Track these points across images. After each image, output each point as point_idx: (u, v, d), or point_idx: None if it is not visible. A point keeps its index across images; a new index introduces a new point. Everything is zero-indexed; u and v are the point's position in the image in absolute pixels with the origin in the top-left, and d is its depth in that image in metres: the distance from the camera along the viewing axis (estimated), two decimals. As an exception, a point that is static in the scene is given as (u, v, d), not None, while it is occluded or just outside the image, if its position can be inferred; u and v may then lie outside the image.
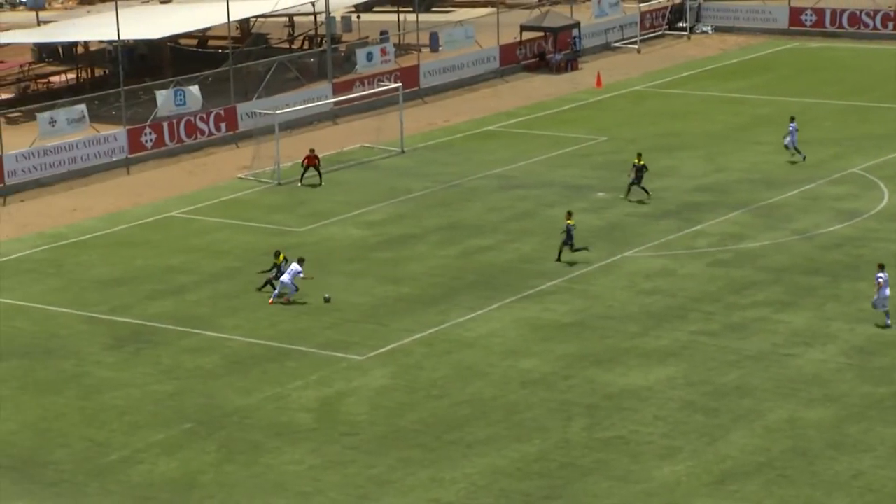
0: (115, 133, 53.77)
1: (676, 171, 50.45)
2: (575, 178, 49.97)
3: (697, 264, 40.89)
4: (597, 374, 33.63)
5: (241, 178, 51.78)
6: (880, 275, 35.37)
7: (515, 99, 63.04)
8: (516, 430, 30.95)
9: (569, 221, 40.74)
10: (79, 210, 48.64)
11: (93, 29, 65.13)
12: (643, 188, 46.67)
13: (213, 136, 56.37)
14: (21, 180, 50.96)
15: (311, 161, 50.07)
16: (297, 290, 38.57)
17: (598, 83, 64.69)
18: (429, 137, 56.65)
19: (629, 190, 46.66)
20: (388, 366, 34.55)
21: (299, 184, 49.84)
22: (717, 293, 38.63)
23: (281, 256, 39.59)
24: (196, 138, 55.83)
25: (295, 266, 38.66)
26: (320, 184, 49.79)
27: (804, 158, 50.33)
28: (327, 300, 38.58)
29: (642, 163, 46.68)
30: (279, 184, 50.43)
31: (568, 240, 40.70)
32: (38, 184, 51.34)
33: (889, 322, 35.30)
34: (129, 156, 53.70)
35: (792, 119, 50.88)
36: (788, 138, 50.43)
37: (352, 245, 43.06)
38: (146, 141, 54.34)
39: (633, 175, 46.49)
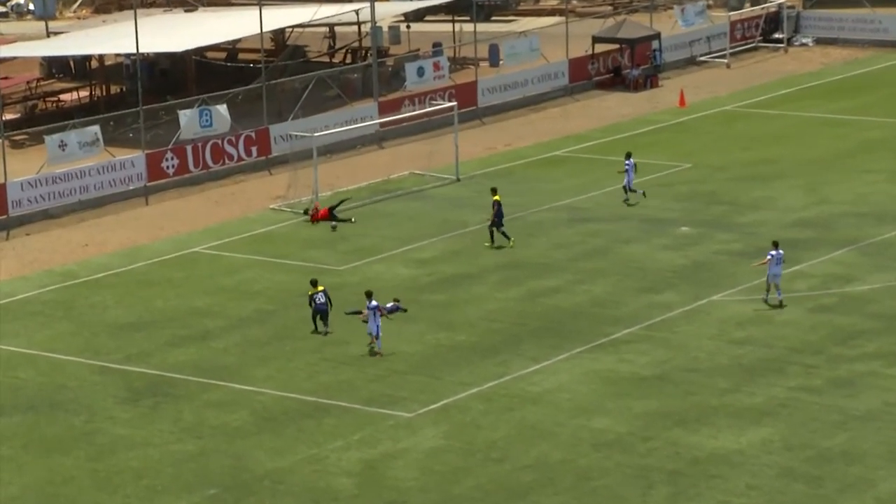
0: (133, 158, 54.21)
1: (772, 204, 50.22)
2: (655, 211, 49.82)
3: (797, 310, 40.59)
4: (681, 436, 33.43)
5: (274, 209, 52.05)
6: (774, 252, 40.61)
7: (586, 120, 63.02)
8: (588, 500, 30.78)
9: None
10: (91, 245, 49.03)
11: (108, 41, 65.83)
12: (503, 233, 46.00)
13: (242, 162, 56.72)
14: (27, 211, 51.44)
15: (322, 215, 49.37)
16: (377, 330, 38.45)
17: (682, 102, 64.61)
18: (487, 164, 56.73)
19: (491, 235, 46.02)
20: (440, 424, 34.50)
21: (333, 227, 49.45)
22: (819, 343, 38.35)
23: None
24: (224, 164, 56.20)
25: (373, 303, 38.36)
26: (351, 221, 49.43)
27: (643, 194, 49.86)
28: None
29: (497, 198, 46.07)
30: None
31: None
32: (46, 215, 51.81)
33: (781, 296, 40.42)
34: (148, 184, 54.11)
35: (628, 155, 50.18)
36: (627, 177, 49.57)
37: (400, 286, 43.08)
38: (167, 167, 54.75)
39: (491, 216, 45.83)
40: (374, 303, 38.30)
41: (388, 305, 40.90)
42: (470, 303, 42.17)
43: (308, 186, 52.02)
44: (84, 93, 67.03)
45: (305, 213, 49.89)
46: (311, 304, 39.93)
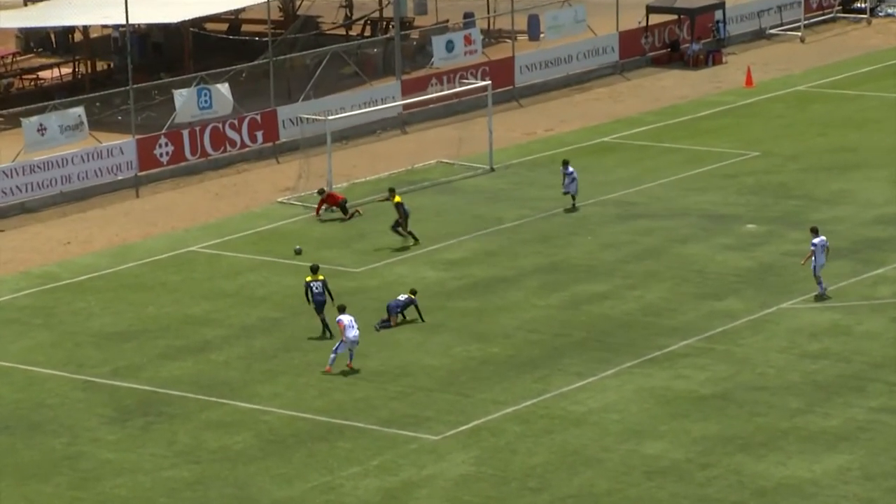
0: (122, 144, 54.44)
1: (852, 198, 50.18)
2: (717, 206, 49.83)
3: (879, 320, 40.60)
4: (745, 463, 33.49)
5: (282, 202, 52.23)
6: (817, 240, 41.57)
7: (639, 102, 63.06)
8: (639, 536, 30.96)
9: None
10: (74, 243, 49.27)
11: (94, 10, 65.94)
12: (408, 233, 46.79)
13: (246, 149, 56.90)
14: (1, 204, 51.67)
15: (338, 199, 49.85)
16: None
17: (749, 82, 64.58)
18: (525, 151, 56.81)
19: (410, 234, 46.93)
20: (470, 449, 34.63)
21: (359, 212, 49.92)
22: (905, 358, 38.41)
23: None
24: (225, 151, 56.39)
25: (340, 317, 38.55)
26: (359, 213, 49.83)
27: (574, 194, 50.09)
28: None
29: (398, 200, 46.67)
30: (332, 210, 50.79)
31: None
32: (23, 209, 52.05)
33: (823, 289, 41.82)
34: (140, 174, 54.33)
35: (565, 163, 49.86)
36: (572, 185, 49.53)
37: (426, 291, 43.20)
38: (161, 155, 54.97)
39: (397, 219, 46.73)
40: (340, 317, 38.34)
41: (403, 298, 41.01)
42: (505, 310, 42.26)
43: (321, 177, 52.14)
44: (66, 69, 67.29)
45: (321, 192, 50.11)
46: (307, 296, 40.09)
